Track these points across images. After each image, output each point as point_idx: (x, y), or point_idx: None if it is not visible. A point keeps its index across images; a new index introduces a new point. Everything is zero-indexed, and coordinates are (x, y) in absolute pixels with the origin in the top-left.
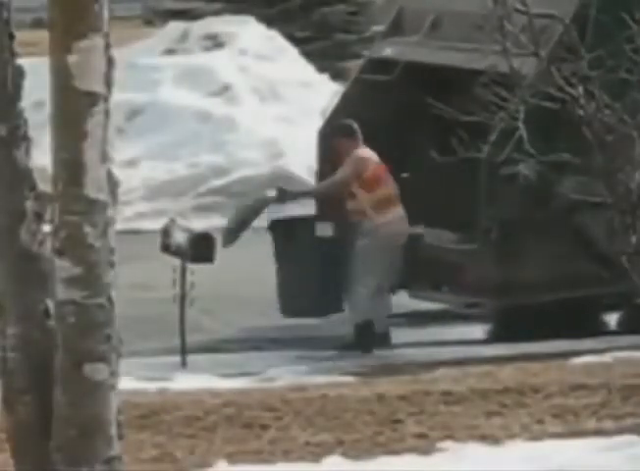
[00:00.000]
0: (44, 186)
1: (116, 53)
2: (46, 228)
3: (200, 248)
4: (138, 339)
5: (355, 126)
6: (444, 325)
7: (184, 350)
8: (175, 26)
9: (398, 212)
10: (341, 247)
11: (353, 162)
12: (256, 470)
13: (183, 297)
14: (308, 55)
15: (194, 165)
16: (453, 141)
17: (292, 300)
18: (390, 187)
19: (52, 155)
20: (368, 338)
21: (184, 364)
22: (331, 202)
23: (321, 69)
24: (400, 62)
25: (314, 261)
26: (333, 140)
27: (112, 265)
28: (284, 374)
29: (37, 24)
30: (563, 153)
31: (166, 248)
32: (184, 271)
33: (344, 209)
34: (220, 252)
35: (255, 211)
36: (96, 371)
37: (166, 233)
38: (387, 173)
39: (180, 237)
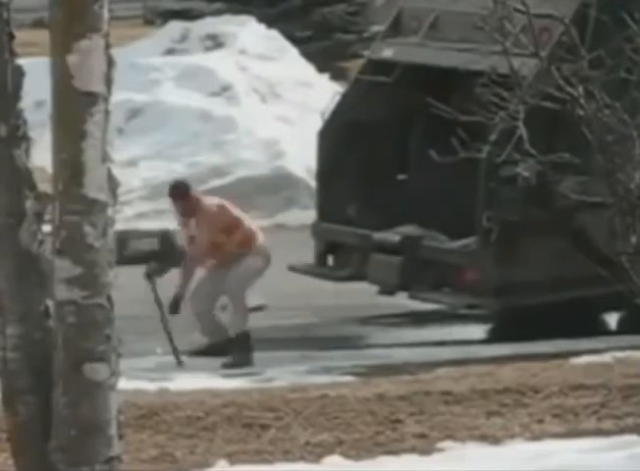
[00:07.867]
0: (44, 186)
1: (116, 53)
2: (46, 228)
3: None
4: (138, 339)
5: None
6: (444, 325)
7: (175, 351)
8: (175, 26)
9: None
10: None
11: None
12: (256, 470)
13: (159, 301)
14: (308, 55)
15: (194, 165)
16: (452, 142)
17: None
18: None
19: (52, 155)
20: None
21: (179, 363)
22: None
23: (321, 69)
24: (399, 63)
25: None
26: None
27: (112, 265)
28: (284, 374)
29: (37, 24)
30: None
31: (128, 260)
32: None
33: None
34: None
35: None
36: (96, 371)
37: (123, 243)
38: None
39: (142, 244)
